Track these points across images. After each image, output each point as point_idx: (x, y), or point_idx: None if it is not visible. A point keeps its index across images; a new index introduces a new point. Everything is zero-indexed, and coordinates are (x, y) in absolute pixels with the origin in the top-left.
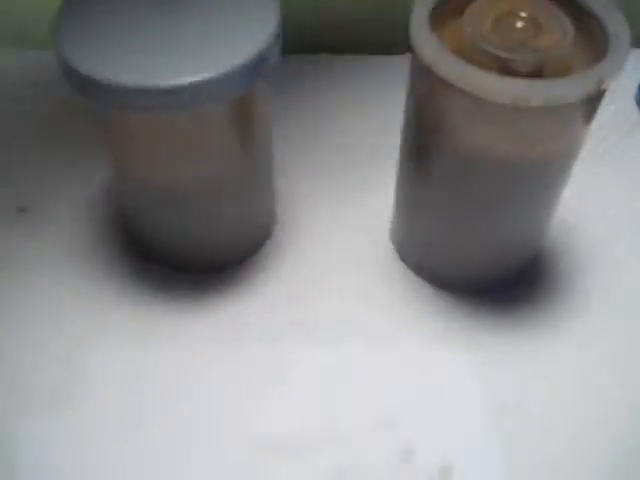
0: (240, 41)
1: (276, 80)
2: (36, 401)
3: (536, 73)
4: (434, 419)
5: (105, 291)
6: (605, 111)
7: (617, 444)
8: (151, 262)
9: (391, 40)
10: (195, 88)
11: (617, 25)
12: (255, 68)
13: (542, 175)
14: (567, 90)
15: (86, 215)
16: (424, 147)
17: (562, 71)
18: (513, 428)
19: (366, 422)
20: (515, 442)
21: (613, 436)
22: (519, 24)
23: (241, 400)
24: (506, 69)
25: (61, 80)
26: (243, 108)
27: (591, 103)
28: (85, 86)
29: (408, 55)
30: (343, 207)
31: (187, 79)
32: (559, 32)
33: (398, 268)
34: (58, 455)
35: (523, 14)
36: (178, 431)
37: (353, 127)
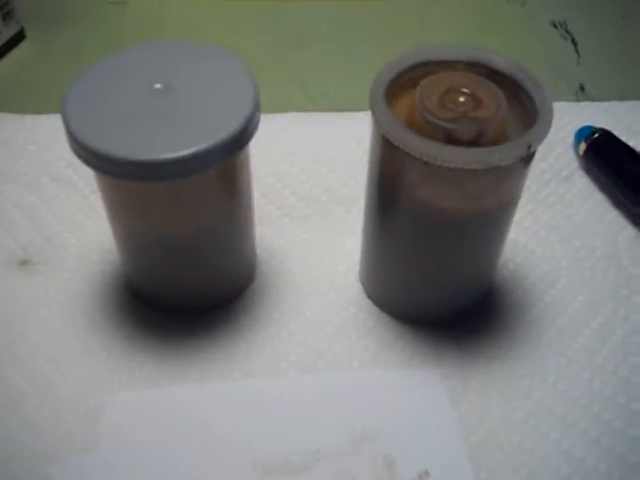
0: (226, 116)
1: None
2: (59, 447)
3: (476, 139)
4: (409, 433)
5: (106, 338)
6: (547, 158)
7: (563, 453)
8: (149, 307)
9: None
10: (190, 160)
11: (543, 98)
12: (240, 139)
13: (487, 223)
14: (502, 155)
15: (86, 266)
16: (385, 200)
17: (498, 136)
18: (478, 440)
19: (349, 439)
20: (481, 451)
21: (559, 446)
22: (461, 99)
23: (237, 428)
24: (450, 137)
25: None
26: (230, 171)
27: (523, 163)
28: (92, 158)
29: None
30: (316, 252)
31: (183, 152)
32: (495, 105)
33: (366, 305)
34: None
35: (465, 90)
36: (187, 458)
37: (323, 177)
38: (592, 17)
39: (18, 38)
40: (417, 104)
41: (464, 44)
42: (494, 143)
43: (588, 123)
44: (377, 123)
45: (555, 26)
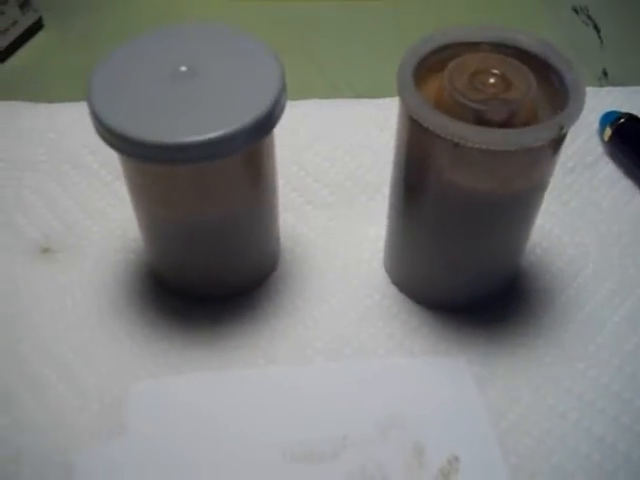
0: (252, 99)
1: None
2: (84, 437)
3: (507, 121)
4: (437, 419)
5: (130, 325)
6: (572, 145)
7: (596, 440)
8: (172, 295)
9: None
10: (216, 143)
11: (574, 78)
12: (266, 122)
13: (517, 206)
14: (534, 137)
15: (109, 254)
16: (412, 185)
17: (529, 118)
18: (507, 426)
19: (376, 426)
20: (510, 437)
21: (590, 433)
22: (491, 80)
23: (263, 415)
24: (481, 119)
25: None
26: (256, 156)
27: (555, 145)
28: (117, 141)
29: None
30: (339, 239)
31: (209, 135)
32: (525, 86)
33: (391, 292)
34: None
35: (494, 71)
36: (213, 447)
37: (346, 165)
38: (613, 2)
39: (36, 27)
40: (446, 85)
41: (489, 24)
42: (525, 125)
43: (612, 108)
44: (406, 105)
45: (576, 11)
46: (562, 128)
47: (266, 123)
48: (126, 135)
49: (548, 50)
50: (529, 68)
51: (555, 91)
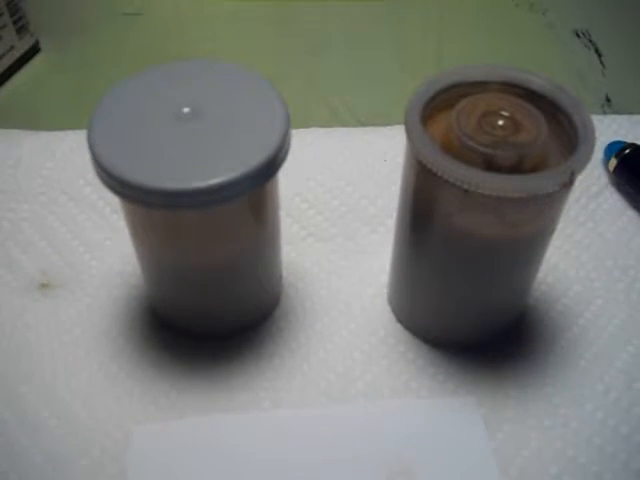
0: (257, 142)
1: None
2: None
3: (517, 165)
4: (446, 465)
5: (131, 365)
6: None
7: None
8: (173, 333)
9: None
10: (221, 188)
11: (583, 120)
12: (272, 165)
13: (525, 249)
14: (544, 182)
15: (108, 290)
16: (418, 226)
17: (539, 162)
18: (516, 473)
19: (384, 473)
20: None
21: (598, 476)
22: (500, 122)
23: (268, 459)
24: (490, 163)
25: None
26: (261, 197)
27: (565, 189)
28: (120, 187)
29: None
30: (342, 273)
31: (214, 181)
32: (535, 129)
33: (396, 330)
34: None
35: (504, 113)
36: None
37: (349, 196)
38: (616, 26)
39: (33, 51)
40: (454, 128)
41: (497, 64)
42: (534, 168)
43: (617, 137)
44: (414, 149)
45: (578, 35)
46: (573, 173)
47: (271, 167)
48: (126, 180)
49: (557, 91)
50: (537, 108)
51: (563, 131)
